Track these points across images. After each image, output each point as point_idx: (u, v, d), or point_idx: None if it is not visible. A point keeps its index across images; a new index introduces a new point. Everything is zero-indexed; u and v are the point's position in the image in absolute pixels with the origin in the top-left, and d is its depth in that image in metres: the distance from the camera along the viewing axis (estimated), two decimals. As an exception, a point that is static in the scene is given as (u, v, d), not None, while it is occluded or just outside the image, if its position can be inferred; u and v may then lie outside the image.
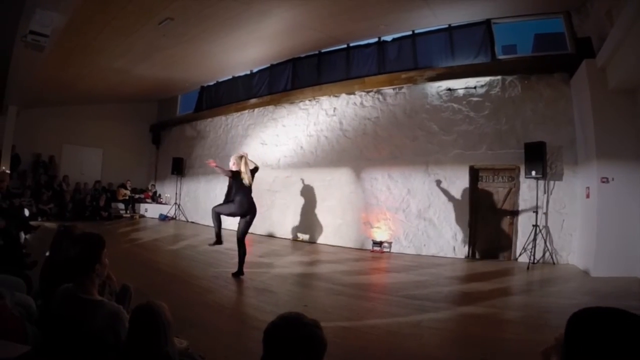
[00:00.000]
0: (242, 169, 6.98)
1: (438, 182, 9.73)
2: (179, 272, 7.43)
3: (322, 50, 12.29)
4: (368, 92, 11.18)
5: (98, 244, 2.65)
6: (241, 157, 7.12)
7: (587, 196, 7.81)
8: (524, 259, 8.44)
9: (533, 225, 8.40)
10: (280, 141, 13.11)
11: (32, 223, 10.99)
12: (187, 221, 16.00)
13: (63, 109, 16.37)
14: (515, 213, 9.05)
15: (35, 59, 9.12)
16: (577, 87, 8.32)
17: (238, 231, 7.12)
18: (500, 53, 9.73)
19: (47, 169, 16.06)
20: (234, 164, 7.09)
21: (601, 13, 7.45)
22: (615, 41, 6.60)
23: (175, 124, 18.13)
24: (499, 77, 9.40)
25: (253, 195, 7.14)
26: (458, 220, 9.44)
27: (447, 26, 10.08)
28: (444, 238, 9.60)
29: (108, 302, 2.56)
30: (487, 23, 9.56)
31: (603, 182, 7.25)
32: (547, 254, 8.36)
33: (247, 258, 9.74)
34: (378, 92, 11.01)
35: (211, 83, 16.23)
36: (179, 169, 16.52)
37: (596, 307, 1.16)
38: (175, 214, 16.43)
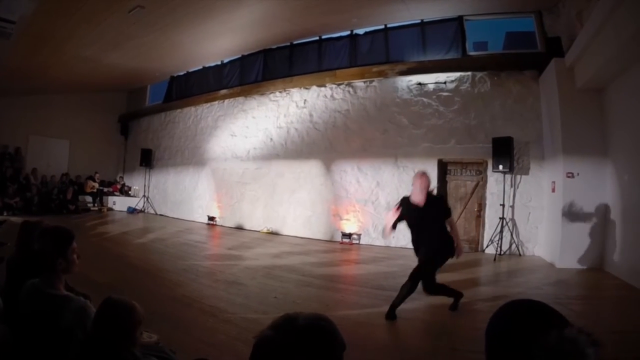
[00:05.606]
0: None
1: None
2: (148, 266, 7.27)
3: (294, 42, 12.21)
4: (339, 84, 11.16)
5: (65, 237, 2.56)
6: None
7: (553, 190, 8.05)
8: (491, 250, 8.64)
9: (500, 218, 8.59)
10: (250, 133, 12.97)
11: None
12: (156, 214, 15.72)
13: (30, 99, 15.71)
14: (482, 206, 9.23)
15: (1, 47, 8.81)
16: (545, 85, 8.51)
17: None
18: (472, 49, 9.86)
19: (13, 161, 15.44)
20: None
21: (572, 14, 7.64)
22: (584, 42, 6.77)
23: (144, 115, 17.75)
24: (469, 73, 9.53)
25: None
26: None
27: (419, 21, 10.15)
28: (413, 230, 9.65)
29: (75, 296, 2.47)
30: (459, 19, 9.67)
31: (568, 177, 7.47)
32: (514, 245, 8.57)
33: (216, 250, 9.71)
34: (349, 85, 11.00)
35: (181, 73, 15.93)
36: (148, 160, 16.16)
37: (505, 305, 1.08)
38: (143, 206, 16.09)
